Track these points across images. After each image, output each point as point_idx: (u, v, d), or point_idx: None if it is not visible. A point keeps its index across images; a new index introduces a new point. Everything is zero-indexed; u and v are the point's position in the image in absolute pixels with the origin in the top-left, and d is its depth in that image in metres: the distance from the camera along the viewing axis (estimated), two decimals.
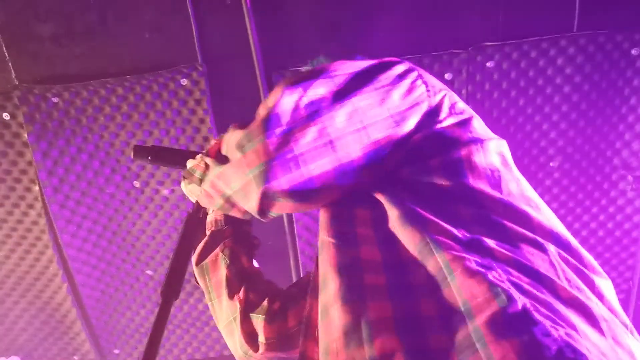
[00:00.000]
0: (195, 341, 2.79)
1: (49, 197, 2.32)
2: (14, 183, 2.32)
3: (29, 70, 2.15)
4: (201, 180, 1.08)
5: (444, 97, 1.03)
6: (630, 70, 2.16)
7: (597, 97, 2.21)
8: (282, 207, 0.95)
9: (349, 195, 0.97)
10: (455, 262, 0.79)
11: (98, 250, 2.48)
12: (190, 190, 1.17)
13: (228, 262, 1.28)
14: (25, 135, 2.20)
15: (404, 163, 0.96)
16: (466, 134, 0.99)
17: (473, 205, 0.90)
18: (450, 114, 1.01)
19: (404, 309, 0.80)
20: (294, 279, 2.60)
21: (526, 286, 0.77)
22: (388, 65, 1.01)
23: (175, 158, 1.36)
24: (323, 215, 1.00)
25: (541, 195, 1.08)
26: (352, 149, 0.93)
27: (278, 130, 0.90)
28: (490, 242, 0.83)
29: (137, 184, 2.35)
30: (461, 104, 1.06)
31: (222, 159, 1.01)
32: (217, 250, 1.30)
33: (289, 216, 2.45)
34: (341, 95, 0.94)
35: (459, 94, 2.20)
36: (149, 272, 2.57)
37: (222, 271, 1.28)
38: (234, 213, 1.07)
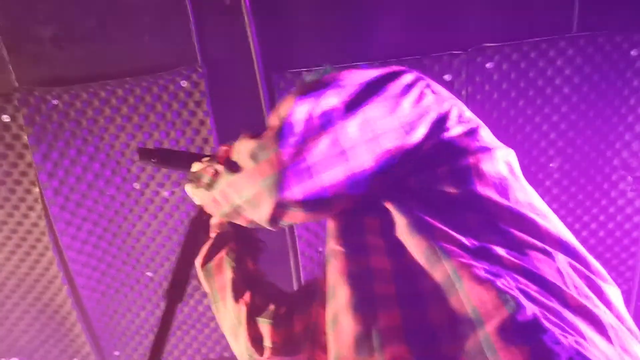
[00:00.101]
0: (195, 343, 2.79)
1: (49, 199, 2.32)
2: (14, 185, 2.32)
3: (29, 72, 2.15)
4: (210, 186, 1.08)
5: (451, 105, 1.04)
6: (630, 71, 2.16)
7: (596, 98, 2.21)
8: (293, 217, 0.96)
9: (358, 204, 0.98)
10: (463, 269, 0.80)
11: (98, 252, 2.48)
12: (197, 195, 1.17)
13: (234, 265, 1.28)
14: (26, 137, 2.20)
15: (413, 171, 0.97)
16: (474, 142, 1.00)
17: (481, 213, 0.91)
18: (458, 122, 1.02)
19: (414, 317, 0.81)
20: (294, 280, 2.60)
21: (534, 294, 0.77)
22: (397, 75, 1.02)
23: (180, 160, 1.37)
24: (331, 224, 1.01)
25: (541, 196, 1.08)
26: (364, 159, 0.94)
27: (292, 140, 0.91)
28: (499, 250, 0.84)
29: (137, 185, 2.35)
30: (468, 113, 1.07)
31: (232, 167, 1.00)
32: (222, 253, 1.30)
33: None
34: (352, 105, 0.95)
35: (459, 95, 2.20)
36: (149, 273, 2.57)
37: (228, 274, 1.27)
38: (239, 221, 1.07)
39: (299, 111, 0.93)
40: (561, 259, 0.86)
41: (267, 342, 1.22)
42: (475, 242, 0.85)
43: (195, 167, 1.23)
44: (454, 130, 1.00)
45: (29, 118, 2.17)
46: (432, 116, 1.00)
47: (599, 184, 2.38)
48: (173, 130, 2.24)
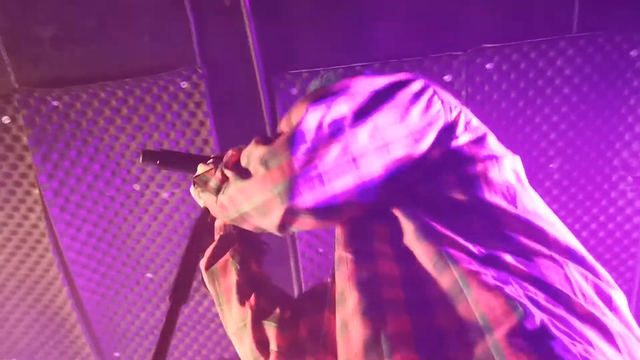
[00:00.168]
0: (195, 344, 2.78)
1: (49, 201, 2.31)
2: (14, 186, 2.32)
3: (29, 73, 2.15)
4: (217, 191, 1.08)
5: (459, 113, 1.05)
6: (630, 71, 2.16)
7: (596, 98, 2.21)
8: (303, 224, 0.96)
9: (367, 211, 0.98)
10: (471, 276, 0.80)
11: (98, 253, 2.48)
12: (203, 198, 1.17)
13: (238, 267, 1.27)
14: (25, 139, 2.20)
15: (421, 178, 0.97)
16: (482, 150, 1.01)
17: (488, 220, 0.91)
18: (466, 130, 1.03)
19: (423, 323, 0.81)
20: (294, 281, 2.60)
21: (542, 302, 0.78)
22: (405, 83, 1.03)
23: (184, 163, 1.37)
24: (340, 231, 1.01)
25: (541, 197, 1.08)
26: (374, 167, 0.94)
27: (303, 148, 0.91)
28: (506, 257, 0.84)
29: (137, 187, 2.35)
30: (475, 121, 1.08)
31: (242, 173, 1.00)
32: (227, 255, 1.29)
33: None
34: (363, 113, 0.95)
35: (459, 95, 2.20)
36: (149, 275, 2.57)
37: (232, 277, 1.27)
38: (245, 226, 1.07)
39: (310, 118, 0.93)
40: (569, 267, 0.87)
41: (273, 346, 1.21)
42: (483, 250, 0.85)
43: (200, 169, 1.23)
44: (462, 138, 1.01)
45: (29, 119, 2.17)
46: (440, 124, 1.00)
47: (599, 185, 2.38)
48: (173, 131, 2.24)
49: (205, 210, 1.22)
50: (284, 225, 0.96)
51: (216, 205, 1.09)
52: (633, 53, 2.13)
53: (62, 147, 2.23)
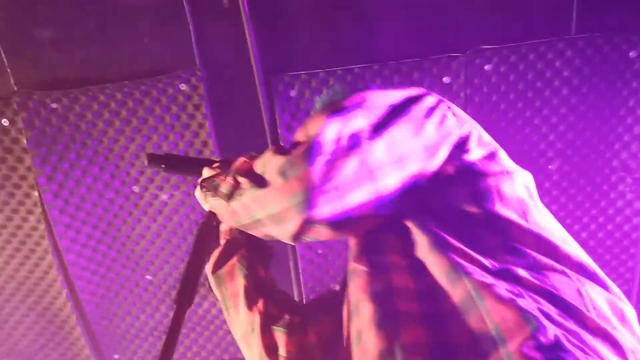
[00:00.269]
0: (195, 346, 2.78)
1: (48, 203, 2.31)
2: (13, 189, 2.32)
3: (28, 76, 2.15)
4: (229, 197, 1.08)
5: (471, 128, 1.06)
6: (629, 72, 2.16)
7: (595, 99, 2.21)
8: (318, 234, 0.97)
9: (381, 223, 0.99)
10: (485, 288, 0.81)
11: (97, 255, 2.48)
12: (211, 203, 1.17)
13: (246, 272, 1.28)
14: (25, 141, 2.20)
15: (434, 192, 0.99)
16: (494, 165, 1.02)
17: (501, 234, 0.92)
18: (478, 145, 1.04)
19: (436, 335, 0.83)
20: (294, 282, 2.60)
21: (555, 316, 0.79)
22: (419, 97, 1.04)
23: (189, 166, 1.37)
24: (353, 242, 1.02)
25: (540, 198, 1.09)
26: (390, 180, 0.95)
27: (321, 159, 0.92)
28: (519, 271, 0.85)
29: (136, 189, 2.35)
30: (486, 136, 1.10)
31: (257, 181, 1.01)
32: (234, 260, 1.30)
33: None
34: (380, 127, 0.97)
35: (458, 97, 2.20)
36: (148, 277, 2.57)
37: (240, 281, 1.28)
38: (254, 232, 1.08)
39: (328, 131, 0.94)
40: (581, 282, 0.88)
41: (282, 351, 1.22)
42: (496, 264, 0.86)
43: (206, 173, 1.23)
44: (474, 152, 1.03)
45: (28, 122, 2.17)
46: (453, 139, 1.02)
47: (598, 186, 2.38)
48: (172, 133, 2.24)
49: (210, 214, 1.23)
50: (298, 234, 0.97)
51: (226, 210, 1.10)
52: (632, 54, 2.13)
53: (61, 150, 2.23)
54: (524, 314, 0.76)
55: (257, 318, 1.23)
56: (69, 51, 2.13)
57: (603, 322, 0.82)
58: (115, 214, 2.40)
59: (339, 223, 0.95)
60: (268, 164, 0.99)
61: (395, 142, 0.96)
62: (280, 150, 0.98)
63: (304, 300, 2.60)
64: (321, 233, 0.97)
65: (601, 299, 0.87)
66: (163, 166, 1.36)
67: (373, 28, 2.15)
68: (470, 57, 2.15)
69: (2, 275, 2.54)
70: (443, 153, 1.00)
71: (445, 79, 2.18)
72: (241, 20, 2.06)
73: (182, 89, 2.16)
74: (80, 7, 2.06)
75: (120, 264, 2.53)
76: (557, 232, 0.98)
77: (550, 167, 2.34)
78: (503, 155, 1.07)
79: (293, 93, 2.20)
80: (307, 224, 0.94)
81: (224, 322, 2.71)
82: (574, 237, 1.08)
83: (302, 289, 2.61)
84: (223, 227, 1.35)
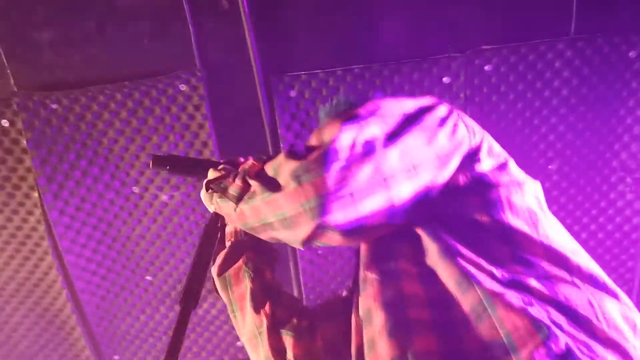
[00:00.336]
0: (195, 346, 2.78)
1: (48, 204, 2.31)
2: (13, 190, 2.32)
3: (28, 77, 2.15)
4: (238, 199, 1.08)
5: (482, 138, 1.08)
6: (628, 72, 2.17)
7: (595, 100, 2.22)
8: (330, 239, 0.97)
9: (392, 230, 1.00)
10: (495, 296, 0.83)
11: (97, 256, 2.48)
12: (218, 205, 1.17)
13: (252, 275, 1.28)
14: (25, 142, 2.20)
15: (445, 200, 0.99)
16: (505, 176, 1.03)
17: (511, 244, 0.93)
18: (489, 155, 1.05)
19: (448, 342, 0.84)
20: (294, 283, 2.60)
21: (565, 326, 0.80)
22: (432, 107, 1.06)
23: (194, 167, 1.37)
24: (364, 249, 1.03)
25: None
26: (403, 188, 0.96)
27: (336, 166, 0.92)
28: (530, 281, 0.86)
29: (136, 189, 2.35)
30: (497, 147, 1.11)
31: (268, 184, 1.01)
32: (240, 262, 1.30)
33: None
34: (394, 135, 0.97)
35: (458, 97, 2.20)
36: (148, 277, 2.57)
37: (246, 284, 1.28)
38: (261, 235, 1.09)
39: (344, 137, 0.94)
40: (592, 292, 0.89)
41: (290, 355, 1.23)
42: (506, 274, 0.87)
43: (211, 174, 1.23)
44: (485, 163, 1.04)
45: (28, 122, 2.17)
46: (464, 149, 1.03)
47: (598, 186, 2.38)
48: (172, 133, 2.24)
49: (215, 216, 1.23)
50: (309, 239, 0.97)
51: (235, 213, 1.10)
52: (632, 54, 2.14)
53: (61, 150, 2.23)
54: (535, 322, 0.78)
55: (264, 321, 1.24)
56: (68, 52, 2.13)
57: (614, 333, 0.83)
58: (115, 215, 2.40)
59: (352, 230, 0.95)
60: (281, 167, 0.99)
61: (408, 150, 0.96)
62: (294, 155, 0.98)
63: (304, 300, 2.60)
64: (333, 239, 0.97)
65: (612, 310, 0.88)
66: (167, 168, 1.36)
67: (373, 28, 2.15)
68: (470, 58, 2.15)
69: (2, 276, 2.54)
70: (454, 163, 1.00)
71: (445, 79, 2.18)
72: (241, 21, 2.07)
73: (182, 89, 2.16)
74: (79, 8, 2.06)
75: (120, 264, 2.53)
76: (567, 243, 0.99)
77: (550, 167, 2.34)
78: (513, 166, 1.08)
79: (293, 93, 2.20)
80: (319, 230, 0.94)
81: (224, 322, 2.70)
82: (574, 238, 1.08)
83: (302, 289, 2.61)
84: (228, 229, 1.35)
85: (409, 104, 1.04)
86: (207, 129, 2.23)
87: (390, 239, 1.00)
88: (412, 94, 2.20)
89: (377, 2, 2.11)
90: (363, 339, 0.98)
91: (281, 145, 2.28)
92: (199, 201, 2.43)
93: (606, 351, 0.79)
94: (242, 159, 1.35)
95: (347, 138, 0.94)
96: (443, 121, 1.03)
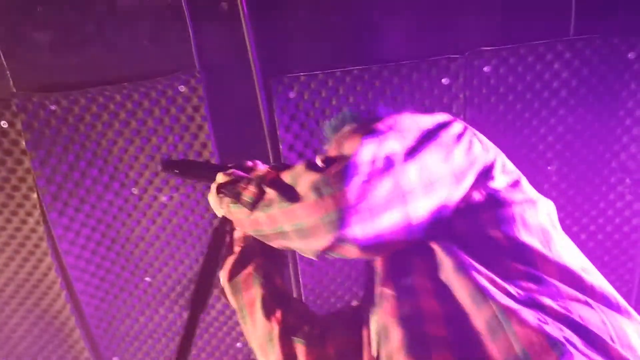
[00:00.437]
0: (194, 348, 2.78)
1: (47, 205, 2.31)
2: (12, 191, 2.32)
3: (27, 78, 2.15)
4: (253, 206, 1.08)
5: (496, 155, 1.09)
6: (627, 73, 2.17)
7: (594, 101, 2.22)
8: (346, 252, 0.98)
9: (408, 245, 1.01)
10: (511, 312, 0.83)
11: (96, 257, 2.48)
12: (230, 210, 1.17)
13: (262, 281, 1.28)
14: (24, 143, 2.20)
15: (460, 218, 1.01)
16: (519, 193, 1.04)
17: (525, 262, 0.94)
18: (503, 172, 1.07)
19: (465, 359, 0.84)
20: (294, 284, 2.60)
21: (580, 345, 0.80)
22: (448, 123, 1.07)
23: (203, 171, 1.37)
24: (380, 265, 1.04)
25: None
26: (420, 203, 0.97)
27: (357, 180, 0.93)
28: (544, 300, 0.87)
29: (135, 190, 2.35)
30: (510, 164, 1.12)
31: (286, 193, 1.01)
32: (250, 268, 1.30)
33: None
34: (413, 151, 0.99)
35: (457, 98, 2.20)
36: (147, 279, 2.57)
37: (257, 290, 1.28)
38: (272, 243, 1.09)
39: (365, 152, 0.95)
40: (605, 312, 0.89)
41: None
42: (520, 292, 0.88)
43: (221, 178, 1.23)
44: (499, 180, 1.05)
45: (27, 124, 2.17)
46: (479, 166, 1.04)
47: (597, 187, 2.38)
48: (171, 135, 2.24)
49: (224, 220, 1.23)
50: (325, 251, 0.98)
51: (248, 219, 1.10)
52: (631, 55, 2.14)
53: (60, 151, 2.23)
54: (550, 339, 0.78)
55: (275, 328, 1.23)
56: (68, 54, 2.13)
57: (628, 353, 0.83)
58: (114, 216, 2.40)
59: (369, 244, 0.96)
60: (300, 178, 0.99)
61: (426, 166, 0.97)
62: (313, 166, 0.99)
63: (303, 301, 2.60)
64: (350, 251, 0.98)
65: (625, 329, 0.88)
66: (177, 171, 1.36)
67: (372, 30, 2.15)
68: (469, 59, 2.15)
69: (1, 277, 2.53)
70: (469, 180, 1.02)
71: (444, 81, 2.18)
72: (240, 22, 2.07)
73: (181, 90, 2.16)
74: (79, 9, 2.06)
75: (119, 265, 2.52)
76: (580, 262, 0.99)
77: (549, 168, 2.34)
78: (525, 183, 1.09)
79: (292, 95, 2.20)
80: (337, 242, 0.95)
81: (223, 324, 2.70)
82: (573, 239, 1.09)
83: (302, 290, 2.61)
84: (237, 234, 1.35)
85: (426, 120, 1.06)
86: (206, 130, 2.23)
87: (405, 253, 1.01)
88: (411, 95, 2.21)
89: (376, 4, 2.11)
90: (375, 353, 0.98)
91: (280, 146, 2.28)
92: (198, 202, 2.44)
93: None
94: (250, 163, 1.36)
95: (367, 153, 0.95)
96: (459, 138, 1.04)
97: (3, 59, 2.11)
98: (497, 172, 1.06)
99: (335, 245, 0.96)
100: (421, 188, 0.96)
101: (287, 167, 1.08)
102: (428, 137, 1.02)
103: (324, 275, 2.57)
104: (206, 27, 2.10)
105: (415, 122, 1.04)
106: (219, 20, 2.08)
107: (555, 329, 0.81)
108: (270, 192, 1.04)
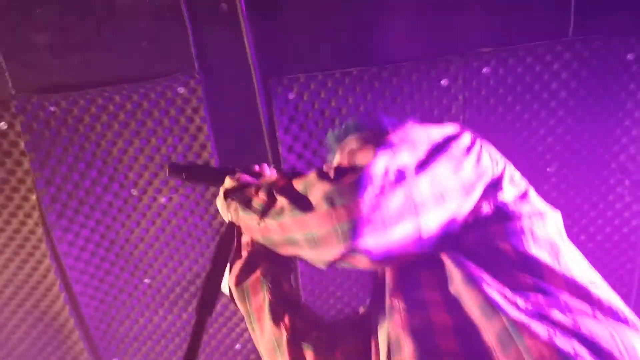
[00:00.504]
0: None
1: (46, 206, 2.31)
2: (11, 192, 2.31)
3: (27, 79, 2.15)
4: (264, 214, 1.08)
5: (504, 167, 1.09)
6: (626, 74, 2.17)
7: (593, 102, 2.22)
8: (357, 262, 0.99)
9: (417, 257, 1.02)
10: (521, 326, 0.84)
11: (96, 259, 2.48)
12: (238, 216, 1.16)
13: (270, 286, 1.28)
14: (23, 144, 2.20)
15: (469, 229, 1.01)
16: (527, 205, 1.05)
17: (533, 275, 0.94)
18: (511, 184, 1.07)
19: None
20: (293, 285, 2.59)
21: (589, 359, 0.80)
22: (457, 135, 1.08)
23: (210, 176, 1.37)
24: (390, 276, 1.04)
25: None
26: (431, 216, 0.97)
27: (371, 191, 0.93)
28: (553, 313, 0.87)
29: (134, 192, 2.35)
30: (518, 175, 1.12)
31: (298, 202, 1.01)
32: (257, 273, 1.29)
33: None
34: (424, 163, 1.00)
35: (456, 99, 2.20)
36: (147, 280, 2.57)
37: (264, 295, 1.27)
38: (281, 250, 1.10)
39: (379, 164, 0.96)
40: (613, 326, 0.89)
41: None
42: (529, 306, 0.88)
43: (228, 183, 1.23)
44: (507, 192, 1.05)
45: (27, 125, 2.17)
46: (487, 178, 1.05)
47: (597, 188, 2.38)
48: (170, 136, 2.24)
49: (231, 224, 1.23)
50: (336, 261, 0.99)
51: (257, 226, 1.10)
52: (629, 56, 2.14)
53: (59, 153, 2.23)
54: (561, 353, 0.79)
55: (283, 333, 1.23)
56: (67, 55, 2.12)
57: None
58: (113, 217, 2.39)
59: (381, 255, 0.96)
60: (313, 187, 1.00)
61: (437, 179, 0.98)
62: (326, 176, 0.99)
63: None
64: (360, 262, 0.98)
65: (634, 343, 0.88)
66: (184, 176, 1.37)
67: (371, 31, 2.15)
68: (468, 60, 2.16)
69: (0, 279, 2.53)
70: (478, 192, 1.02)
71: (443, 82, 2.18)
72: (239, 23, 2.07)
73: (181, 92, 2.16)
74: (78, 11, 2.06)
75: (119, 267, 2.52)
76: (588, 275, 0.99)
77: (548, 169, 2.35)
78: (533, 195, 1.09)
79: (291, 96, 2.20)
80: (349, 253, 0.95)
81: (222, 325, 2.70)
82: (572, 240, 1.09)
83: (302, 292, 2.60)
84: (244, 239, 1.35)
85: (436, 132, 1.07)
86: (206, 131, 2.23)
87: (415, 265, 1.01)
88: (410, 96, 2.21)
89: (375, 5, 2.11)
90: None
91: (279, 147, 2.28)
92: (197, 203, 2.44)
93: None
94: (257, 168, 1.36)
95: (381, 164, 0.96)
96: (468, 150, 1.05)
97: (2, 60, 2.11)
98: (505, 183, 1.06)
99: (347, 256, 0.96)
100: (432, 200, 0.97)
101: (298, 175, 1.09)
102: (438, 149, 1.02)
103: (323, 276, 2.57)
104: (205, 28, 2.10)
105: (425, 134, 1.05)
106: (218, 22, 2.08)
107: (565, 343, 0.81)
108: (282, 200, 1.04)
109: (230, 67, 2.17)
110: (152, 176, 2.31)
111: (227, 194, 1.21)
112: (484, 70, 2.17)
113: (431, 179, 0.98)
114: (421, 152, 1.01)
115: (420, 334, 0.92)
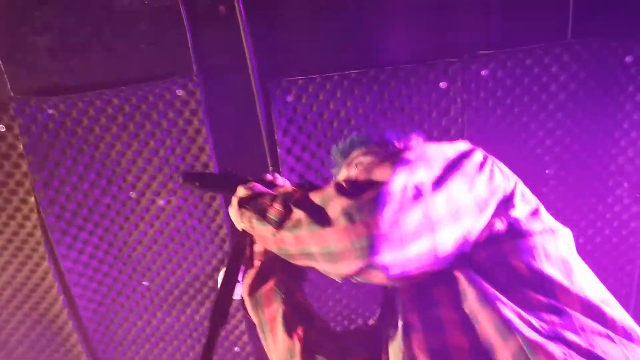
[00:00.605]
0: (192, 352, 2.77)
1: (44, 209, 2.31)
2: (9, 195, 2.31)
3: (25, 82, 2.15)
4: (280, 225, 1.08)
5: (515, 184, 1.10)
6: (625, 76, 2.17)
7: (592, 104, 2.22)
8: (372, 277, 0.99)
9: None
10: (537, 346, 0.84)
11: (94, 261, 2.47)
12: (252, 225, 1.16)
13: (284, 297, 1.28)
14: (21, 147, 2.20)
15: (482, 246, 1.01)
16: (539, 223, 1.05)
17: (547, 294, 0.95)
18: (522, 201, 1.08)
19: None
20: None
21: None
22: (469, 152, 1.09)
23: (223, 184, 1.38)
24: (404, 294, 1.05)
25: None
26: (447, 233, 0.98)
27: (390, 208, 0.94)
28: (567, 334, 0.88)
29: (133, 194, 2.34)
30: (529, 192, 1.13)
31: (315, 216, 1.01)
32: (271, 283, 1.30)
33: None
34: (439, 181, 1.00)
35: (455, 102, 2.20)
36: (145, 283, 2.56)
37: (278, 305, 1.28)
38: (295, 262, 1.10)
39: (397, 180, 0.96)
40: (626, 346, 0.89)
41: None
42: (544, 325, 0.89)
43: (241, 192, 1.23)
44: (519, 209, 1.06)
45: (25, 127, 2.16)
46: (500, 195, 1.05)
47: (596, 190, 2.38)
48: (169, 138, 2.23)
49: (244, 233, 1.23)
50: (352, 275, 0.99)
51: (272, 237, 1.10)
52: (628, 59, 2.14)
53: (58, 155, 2.23)
54: None
55: (297, 344, 1.23)
56: (65, 57, 2.13)
57: None
58: (112, 220, 2.39)
59: (397, 271, 0.97)
60: (331, 201, 0.99)
61: (452, 196, 0.98)
62: (345, 191, 0.99)
63: None
64: (377, 277, 0.98)
65: None
66: (197, 184, 1.37)
67: (369, 33, 2.15)
68: (466, 62, 2.16)
69: None
70: (491, 209, 1.03)
71: (442, 84, 2.18)
72: (238, 26, 2.07)
73: (179, 94, 2.16)
74: (77, 13, 2.06)
75: (117, 270, 2.52)
76: (600, 294, 1.00)
77: (547, 172, 2.34)
78: (544, 212, 1.10)
79: (290, 98, 2.20)
80: (365, 268, 0.95)
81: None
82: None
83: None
84: (257, 248, 1.35)
85: (449, 149, 1.07)
86: (204, 133, 2.23)
87: (430, 282, 1.01)
88: (409, 98, 2.21)
89: (374, 8, 2.12)
90: None
91: (278, 149, 2.28)
92: (196, 206, 2.43)
93: None
94: (269, 177, 1.37)
95: (400, 181, 0.96)
96: (481, 167, 1.06)
97: (1, 62, 2.11)
98: (517, 200, 1.07)
99: (363, 271, 0.96)
100: (448, 217, 0.97)
101: (314, 187, 1.08)
102: (452, 166, 1.03)
103: (323, 276, 2.56)
104: (204, 30, 2.10)
105: (440, 152, 1.06)
106: (217, 24, 2.08)
107: None
108: (299, 213, 1.04)
109: (228, 69, 2.17)
110: (150, 179, 2.31)
111: (241, 203, 1.21)
112: (483, 72, 2.17)
113: (447, 196, 0.98)
114: (437, 169, 1.01)
115: (437, 355, 0.93)
